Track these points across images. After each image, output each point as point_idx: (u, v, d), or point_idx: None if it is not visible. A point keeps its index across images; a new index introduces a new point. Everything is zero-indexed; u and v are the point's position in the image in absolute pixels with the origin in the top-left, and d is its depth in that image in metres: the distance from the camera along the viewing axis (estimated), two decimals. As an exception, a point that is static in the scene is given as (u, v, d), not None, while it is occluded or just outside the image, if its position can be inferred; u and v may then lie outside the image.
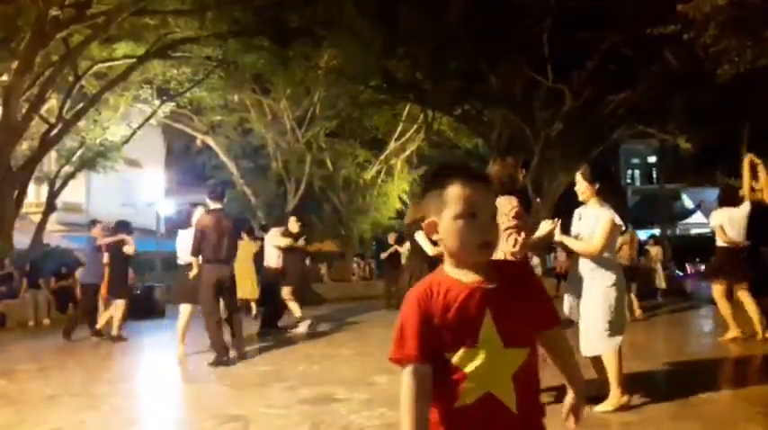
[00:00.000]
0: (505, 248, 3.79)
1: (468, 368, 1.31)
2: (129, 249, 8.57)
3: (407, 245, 12.36)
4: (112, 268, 8.41)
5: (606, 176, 4.26)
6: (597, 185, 4.13)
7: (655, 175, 24.90)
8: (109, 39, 13.53)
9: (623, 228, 4.03)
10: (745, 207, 6.48)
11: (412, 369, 1.30)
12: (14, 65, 11.91)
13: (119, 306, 8.31)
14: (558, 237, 4.05)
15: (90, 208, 24.62)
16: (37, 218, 15.82)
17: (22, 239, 13.92)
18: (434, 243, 5.87)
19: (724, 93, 12.12)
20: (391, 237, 13.58)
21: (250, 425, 3.99)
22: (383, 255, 13.97)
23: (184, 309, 6.84)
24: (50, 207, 15.45)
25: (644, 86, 14.84)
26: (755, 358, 6.02)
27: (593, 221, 4.08)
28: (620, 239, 7.07)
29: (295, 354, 6.84)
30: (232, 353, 6.42)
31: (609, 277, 4.03)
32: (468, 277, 1.35)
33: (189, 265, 6.72)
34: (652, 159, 24.71)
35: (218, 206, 6.59)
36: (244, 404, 4.55)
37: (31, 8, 11.49)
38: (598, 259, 4.06)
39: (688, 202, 36.00)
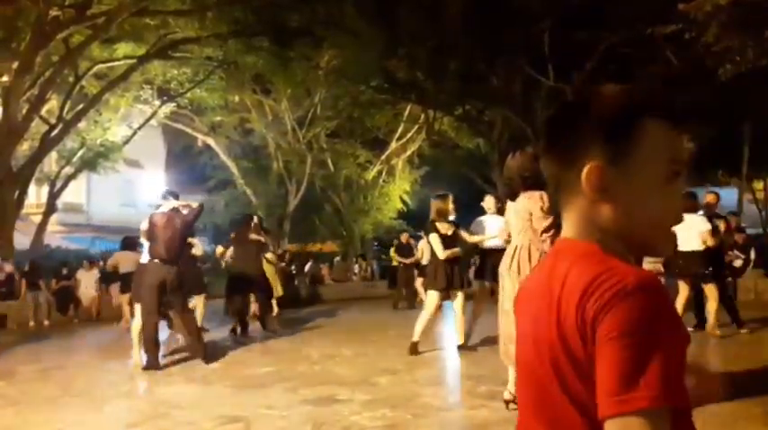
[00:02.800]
0: (542, 247, 3.61)
1: None
2: (197, 250, 8.70)
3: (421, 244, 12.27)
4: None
5: None
6: None
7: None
8: (109, 39, 13.52)
9: None
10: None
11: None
12: (15, 65, 11.90)
13: (199, 300, 8.41)
14: None
15: (90, 208, 24.68)
16: (37, 218, 15.83)
17: (22, 240, 13.92)
18: (449, 245, 5.83)
19: (725, 92, 12.09)
20: (404, 237, 13.24)
21: (252, 425, 3.98)
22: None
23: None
24: (51, 208, 15.46)
25: (645, 86, 14.79)
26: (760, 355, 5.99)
27: None
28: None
29: (296, 355, 6.82)
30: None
31: None
32: None
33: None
34: (653, 159, 24.64)
35: (171, 205, 6.43)
36: (245, 405, 4.54)
37: (31, 9, 11.48)
38: None
39: (689, 202, 35.92)
